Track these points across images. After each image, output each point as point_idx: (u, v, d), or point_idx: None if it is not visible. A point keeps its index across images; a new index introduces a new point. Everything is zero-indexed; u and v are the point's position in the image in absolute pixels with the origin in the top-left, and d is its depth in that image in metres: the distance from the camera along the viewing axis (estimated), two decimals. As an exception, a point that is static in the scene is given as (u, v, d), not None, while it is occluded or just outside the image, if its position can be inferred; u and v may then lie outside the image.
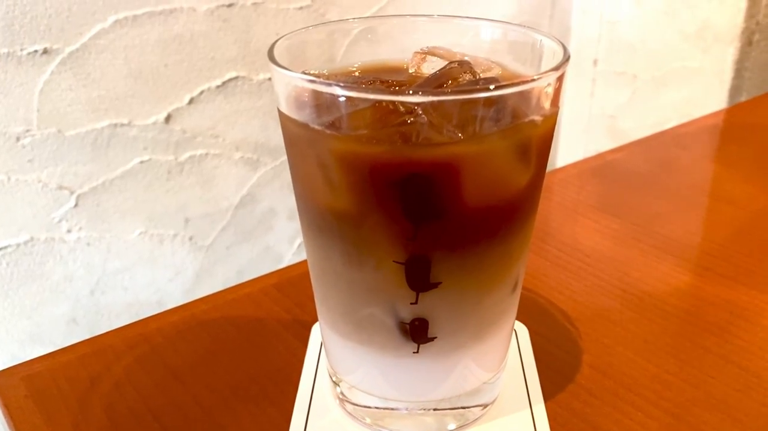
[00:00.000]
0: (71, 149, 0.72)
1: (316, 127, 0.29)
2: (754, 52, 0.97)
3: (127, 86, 0.73)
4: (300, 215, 0.35)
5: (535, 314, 0.46)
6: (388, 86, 0.31)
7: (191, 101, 0.78)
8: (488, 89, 0.28)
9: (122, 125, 0.74)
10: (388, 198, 0.29)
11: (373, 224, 0.30)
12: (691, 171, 0.68)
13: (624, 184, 0.65)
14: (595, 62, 1.09)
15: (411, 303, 0.32)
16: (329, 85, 0.28)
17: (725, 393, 0.39)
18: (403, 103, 0.28)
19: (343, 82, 0.28)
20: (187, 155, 0.80)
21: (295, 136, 0.31)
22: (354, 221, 0.30)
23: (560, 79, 0.30)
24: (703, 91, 1.02)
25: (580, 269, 0.51)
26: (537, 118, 0.30)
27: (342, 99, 0.28)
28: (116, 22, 0.70)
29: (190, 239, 0.84)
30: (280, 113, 0.32)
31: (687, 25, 1.00)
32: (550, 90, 0.30)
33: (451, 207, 0.29)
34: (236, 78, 0.80)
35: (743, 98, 0.99)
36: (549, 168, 0.79)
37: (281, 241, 0.92)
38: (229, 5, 0.76)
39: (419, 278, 0.31)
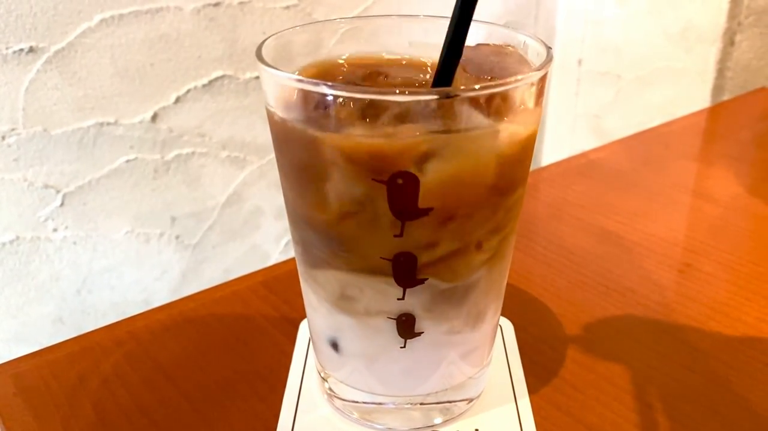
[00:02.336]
0: (57, 147, 0.72)
1: (304, 125, 0.30)
2: (736, 52, 0.98)
3: (113, 85, 0.73)
4: (288, 213, 0.35)
5: (520, 310, 0.47)
6: (377, 81, 0.32)
7: (178, 100, 0.78)
8: (473, 89, 0.28)
9: (108, 123, 0.74)
10: (376, 196, 0.29)
11: (360, 221, 0.30)
12: (673, 170, 0.69)
13: (608, 182, 0.66)
14: (579, 62, 1.10)
15: (398, 299, 0.32)
16: (316, 84, 0.29)
17: (705, 386, 0.40)
18: (391, 102, 0.28)
19: (330, 82, 0.28)
20: (173, 153, 0.80)
21: (283, 134, 0.32)
22: (342, 219, 0.31)
23: (543, 79, 0.31)
24: (686, 91, 1.04)
25: (564, 265, 0.52)
26: (521, 116, 0.30)
27: (330, 98, 0.29)
28: (102, 21, 0.70)
29: (177, 238, 0.84)
30: (269, 112, 0.32)
31: (670, 25, 1.02)
32: (534, 89, 0.31)
33: (437, 204, 0.30)
34: (223, 77, 0.80)
35: (725, 98, 1.00)
36: (535, 167, 0.80)
37: (268, 240, 0.92)
38: (216, 4, 0.76)
39: (406, 274, 0.31)
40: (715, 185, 0.65)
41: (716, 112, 0.87)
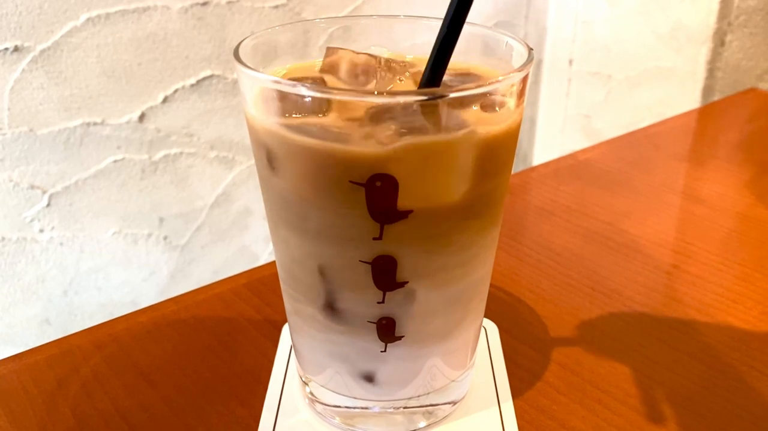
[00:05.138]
0: (43, 147, 0.71)
1: (281, 128, 0.29)
2: (726, 52, 0.98)
3: (100, 85, 0.72)
4: (267, 215, 0.35)
5: (505, 313, 0.46)
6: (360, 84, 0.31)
7: (165, 100, 0.77)
8: (454, 89, 0.28)
9: (95, 123, 0.74)
10: (354, 198, 0.29)
11: (339, 224, 0.30)
12: (662, 170, 0.68)
13: (597, 183, 0.66)
14: (570, 62, 1.10)
15: (378, 302, 0.32)
16: (294, 85, 0.28)
17: (690, 389, 0.40)
18: (369, 103, 0.28)
19: (308, 83, 0.28)
20: (161, 154, 0.79)
21: (261, 137, 0.31)
22: (320, 222, 0.30)
23: (524, 80, 0.31)
24: (676, 91, 1.04)
25: (550, 267, 0.52)
26: (501, 117, 0.30)
27: (307, 100, 0.28)
28: (89, 20, 0.70)
29: (165, 238, 0.83)
30: (247, 114, 0.32)
31: (660, 25, 1.02)
32: (515, 90, 0.31)
33: (416, 206, 0.29)
34: (211, 77, 0.80)
35: (715, 98, 1.00)
36: (525, 167, 0.80)
37: (257, 240, 0.92)
38: (204, 3, 0.76)
39: (386, 277, 0.31)
40: (704, 186, 0.65)
41: (706, 112, 0.87)
